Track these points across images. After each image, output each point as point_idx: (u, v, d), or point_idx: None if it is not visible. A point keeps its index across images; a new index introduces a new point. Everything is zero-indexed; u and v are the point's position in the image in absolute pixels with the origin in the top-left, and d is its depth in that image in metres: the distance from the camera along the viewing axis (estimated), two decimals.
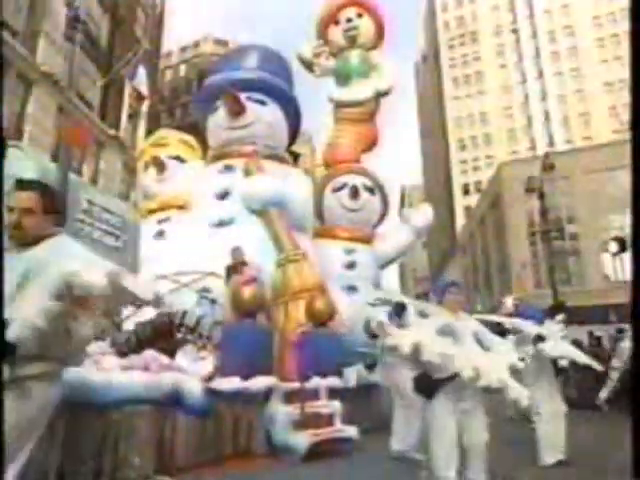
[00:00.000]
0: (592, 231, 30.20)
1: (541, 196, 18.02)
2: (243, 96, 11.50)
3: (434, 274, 65.83)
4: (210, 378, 5.97)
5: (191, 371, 5.93)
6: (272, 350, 6.28)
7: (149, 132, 30.60)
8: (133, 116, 29.16)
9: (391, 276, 68.61)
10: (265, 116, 11.92)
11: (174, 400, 5.09)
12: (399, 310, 5.00)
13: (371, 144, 13.99)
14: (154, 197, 11.85)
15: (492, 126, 57.25)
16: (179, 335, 7.42)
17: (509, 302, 9.54)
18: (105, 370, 4.68)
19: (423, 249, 73.76)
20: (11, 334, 2.03)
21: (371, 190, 12.37)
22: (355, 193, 11.94)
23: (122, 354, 6.33)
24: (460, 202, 56.53)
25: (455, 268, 51.22)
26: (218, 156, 11.83)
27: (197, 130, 13.63)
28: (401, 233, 12.48)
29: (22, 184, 2.50)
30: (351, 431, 6.20)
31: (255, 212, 10.32)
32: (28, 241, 2.39)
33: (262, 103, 11.90)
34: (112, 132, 26.04)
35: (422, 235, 12.88)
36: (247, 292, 5.54)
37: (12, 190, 2.47)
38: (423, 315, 5.07)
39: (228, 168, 11.14)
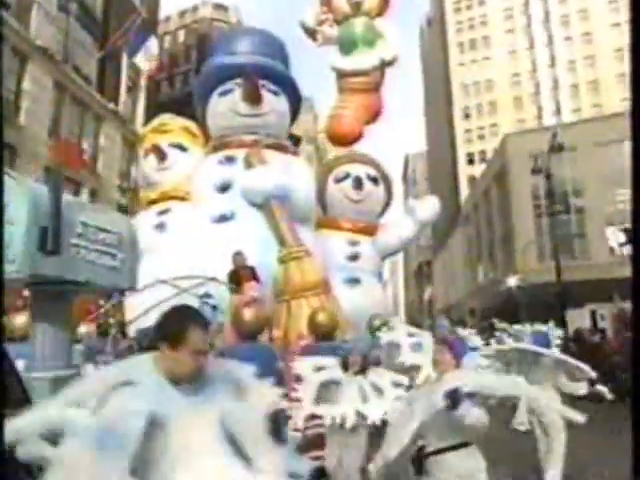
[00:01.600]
0: (598, 204, 29.84)
1: (547, 176, 17.68)
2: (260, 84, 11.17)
3: (437, 243, 65.77)
4: None
5: None
6: (273, 370, 6.17)
7: (149, 105, 30.08)
8: (132, 88, 28.58)
9: None
10: (277, 107, 11.71)
11: None
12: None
13: (375, 115, 13.56)
14: (155, 185, 11.64)
15: (498, 93, 56.08)
16: None
17: (512, 281, 9.38)
18: None
19: None
20: None
21: (375, 180, 12.11)
22: (359, 184, 11.69)
23: None
24: (464, 171, 55.98)
25: (458, 238, 51.12)
26: (218, 146, 11.52)
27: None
28: (405, 225, 12.25)
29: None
30: None
31: (257, 206, 10.13)
32: None
33: (275, 94, 11.65)
34: (111, 106, 25.56)
35: (427, 226, 12.67)
36: (248, 315, 5.39)
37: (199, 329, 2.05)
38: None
39: (229, 159, 10.86)
